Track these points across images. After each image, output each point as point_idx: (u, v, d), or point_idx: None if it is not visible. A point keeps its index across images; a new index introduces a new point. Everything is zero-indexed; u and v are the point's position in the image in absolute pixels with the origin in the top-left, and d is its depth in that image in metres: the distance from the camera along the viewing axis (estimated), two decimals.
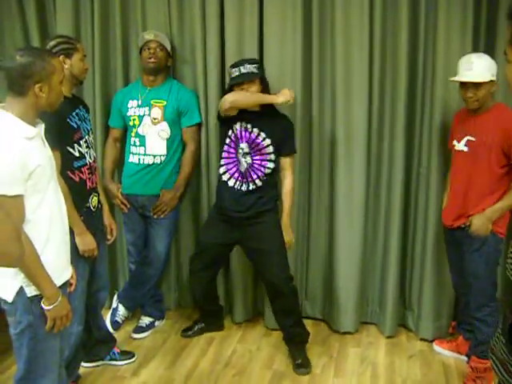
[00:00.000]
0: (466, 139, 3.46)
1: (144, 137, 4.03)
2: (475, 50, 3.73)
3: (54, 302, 2.41)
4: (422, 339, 4.16)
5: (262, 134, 3.71)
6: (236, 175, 3.75)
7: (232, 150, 3.76)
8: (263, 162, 3.72)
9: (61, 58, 3.11)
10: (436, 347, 4.05)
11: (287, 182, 3.84)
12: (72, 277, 2.67)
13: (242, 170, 3.73)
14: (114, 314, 4.34)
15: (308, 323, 4.18)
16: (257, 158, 3.72)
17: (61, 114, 3.04)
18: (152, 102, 4.03)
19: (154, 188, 4.07)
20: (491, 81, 3.30)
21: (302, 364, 3.82)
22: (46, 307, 2.41)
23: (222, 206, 3.83)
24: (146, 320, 4.38)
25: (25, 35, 4.51)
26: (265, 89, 3.72)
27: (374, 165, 4.14)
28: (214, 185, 4.24)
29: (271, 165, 3.74)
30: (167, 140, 4.04)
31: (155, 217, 4.09)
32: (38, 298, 2.41)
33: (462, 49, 3.70)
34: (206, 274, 4.06)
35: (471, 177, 3.43)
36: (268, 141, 3.71)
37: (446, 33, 3.73)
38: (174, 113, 4.04)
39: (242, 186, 3.74)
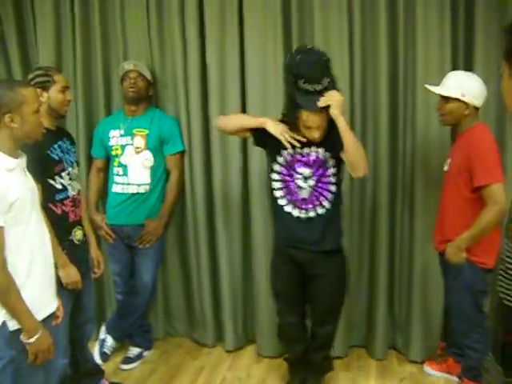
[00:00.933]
0: (448, 160, 3.45)
1: (127, 166, 4.03)
2: (454, 62, 3.79)
3: (33, 335, 2.39)
4: (411, 361, 4.14)
5: (321, 150, 3.29)
6: (298, 203, 3.36)
7: (287, 178, 3.38)
8: (327, 178, 3.33)
9: (38, 91, 3.11)
10: (426, 368, 4.03)
11: None
12: (58, 309, 2.65)
13: (305, 195, 3.34)
14: (102, 346, 4.28)
15: None
16: (319, 176, 3.32)
17: (41, 147, 3.03)
18: (134, 131, 4.03)
19: (138, 218, 4.05)
20: (462, 101, 3.27)
21: None
22: (25, 340, 2.38)
23: (285, 238, 3.47)
24: (134, 351, 4.33)
25: (7, 69, 4.50)
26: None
27: (357, 185, 4.13)
28: (200, 211, 4.27)
29: (334, 179, 3.35)
30: (151, 168, 4.04)
31: (141, 247, 4.07)
32: (20, 332, 2.39)
33: (440, 63, 3.76)
34: (296, 317, 3.63)
35: (447, 200, 3.41)
36: (328, 154, 3.30)
37: (425, 45, 3.77)
38: (157, 141, 4.04)
39: (308, 213, 3.35)
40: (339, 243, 3.49)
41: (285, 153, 3.33)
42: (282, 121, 3.32)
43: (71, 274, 3.17)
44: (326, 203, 3.34)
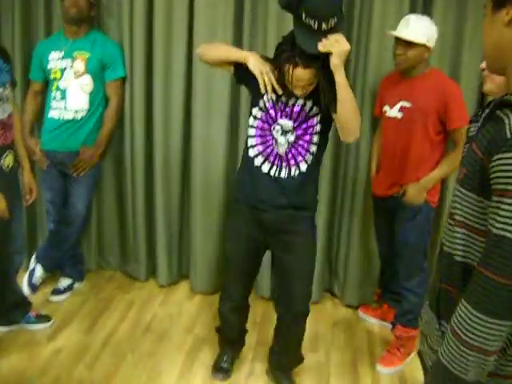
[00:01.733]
0: (399, 105, 3.36)
1: (65, 91, 3.85)
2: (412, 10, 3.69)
3: None
4: (347, 305, 4.15)
5: (309, 103, 2.85)
6: (271, 158, 2.92)
7: (266, 127, 2.92)
8: (309, 137, 2.88)
9: None
10: (361, 314, 4.06)
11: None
12: None
13: (282, 151, 2.90)
14: (31, 275, 4.14)
15: None
16: (301, 133, 2.87)
17: None
18: (75, 54, 3.82)
19: (74, 144, 3.88)
20: (425, 46, 3.21)
21: None
22: None
23: (247, 198, 3.00)
24: (64, 282, 4.22)
25: None
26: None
27: None
28: (138, 143, 4.12)
29: (316, 139, 2.90)
30: (90, 94, 3.87)
31: (74, 175, 3.91)
32: None
33: (399, 10, 3.66)
34: (243, 291, 3.26)
35: (406, 145, 3.35)
36: (316, 109, 2.85)
37: None
38: (98, 65, 3.86)
39: (280, 172, 2.91)
40: (311, 210, 3.06)
41: (267, 98, 2.88)
42: (272, 59, 2.81)
43: None
44: (302, 164, 2.90)
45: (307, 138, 2.88)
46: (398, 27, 3.28)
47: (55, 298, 4.12)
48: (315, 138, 2.88)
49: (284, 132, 2.87)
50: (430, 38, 3.23)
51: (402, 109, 3.36)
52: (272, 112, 2.88)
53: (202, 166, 4.09)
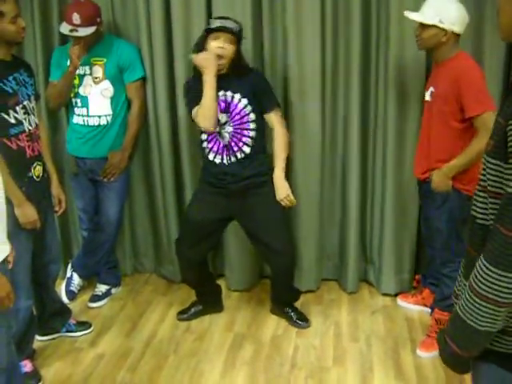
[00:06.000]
0: (430, 90, 3.34)
1: (86, 97, 3.86)
2: None
3: None
4: (384, 294, 4.12)
5: (237, 96, 3.42)
6: (220, 150, 3.48)
7: None
8: (245, 125, 3.44)
9: None
10: (400, 302, 4.03)
11: (279, 138, 3.48)
12: (10, 254, 2.49)
13: (226, 142, 3.46)
14: (68, 284, 4.20)
15: (268, 283, 4.08)
16: (237, 123, 3.44)
17: None
18: (91, 60, 3.83)
19: (101, 150, 3.90)
20: (441, 28, 3.13)
21: (300, 318, 3.83)
22: None
23: (211, 181, 3.57)
24: (101, 288, 4.24)
25: None
26: (238, 60, 3.42)
27: (329, 114, 4.02)
28: (165, 144, 4.14)
29: (253, 125, 3.46)
30: (111, 99, 3.87)
31: (105, 180, 3.93)
32: None
33: None
34: (195, 254, 3.67)
35: (431, 129, 3.31)
36: (245, 101, 3.42)
37: None
38: (116, 69, 3.86)
39: (230, 159, 3.47)
40: (267, 174, 3.52)
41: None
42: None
43: (28, 214, 3.03)
44: (246, 148, 3.46)
45: (244, 126, 3.44)
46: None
47: (94, 305, 4.15)
48: (252, 125, 3.44)
49: (222, 125, 3.43)
50: (445, 18, 3.13)
51: (431, 94, 3.33)
52: None
53: None
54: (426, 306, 3.87)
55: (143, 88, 4.05)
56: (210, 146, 3.50)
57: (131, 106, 3.98)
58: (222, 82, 3.36)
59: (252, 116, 3.44)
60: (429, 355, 3.44)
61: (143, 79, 4.03)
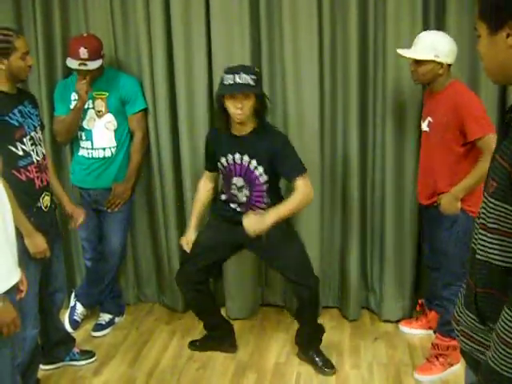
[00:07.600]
0: (427, 120, 3.46)
1: (90, 131, 3.93)
2: (425, 22, 3.74)
3: None
4: (385, 321, 4.15)
5: (254, 162, 3.34)
6: (237, 205, 3.50)
7: (225, 184, 3.53)
8: (262, 193, 3.43)
9: None
10: (403, 328, 4.05)
11: (298, 196, 3.26)
12: (22, 282, 2.54)
13: (242, 201, 3.46)
14: (72, 313, 4.23)
15: (269, 311, 4.13)
16: (254, 190, 3.41)
17: None
18: (94, 94, 3.90)
19: (105, 182, 3.97)
20: (435, 61, 3.26)
21: (326, 365, 3.63)
22: None
23: (225, 214, 3.56)
24: (105, 317, 4.27)
25: None
26: (260, 106, 3.29)
27: (328, 149, 4.10)
28: (167, 173, 4.20)
29: (270, 194, 3.43)
30: (115, 131, 3.95)
31: (109, 211, 4.00)
32: None
33: (411, 23, 3.70)
34: (198, 276, 3.63)
35: (434, 156, 3.41)
36: (260, 169, 3.35)
37: (396, 8, 3.71)
38: (118, 103, 3.95)
39: (246, 210, 3.42)
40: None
41: (222, 160, 3.44)
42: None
43: (37, 243, 3.08)
44: (263, 206, 3.43)
45: (261, 194, 3.41)
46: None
47: (97, 334, 4.17)
48: (268, 194, 3.42)
49: (238, 189, 3.43)
50: (440, 52, 3.26)
51: (429, 124, 3.44)
52: (228, 172, 3.46)
53: None
54: (430, 328, 3.90)
55: (145, 119, 4.12)
56: (227, 200, 3.54)
57: (134, 137, 4.05)
58: (240, 144, 3.35)
59: (265, 178, 3.37)
60: (425, 379, 3.48)
61: (145, 111, 4.10)
